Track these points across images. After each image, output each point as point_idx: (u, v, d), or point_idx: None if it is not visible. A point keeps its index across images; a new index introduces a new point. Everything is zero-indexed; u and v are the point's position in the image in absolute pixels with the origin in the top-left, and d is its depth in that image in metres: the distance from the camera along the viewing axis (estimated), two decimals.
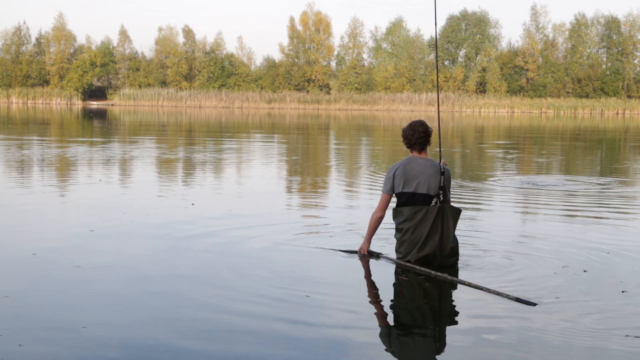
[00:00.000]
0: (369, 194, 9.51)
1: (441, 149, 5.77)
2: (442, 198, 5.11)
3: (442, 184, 5.10)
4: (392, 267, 5.17)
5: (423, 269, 4.87)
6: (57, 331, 3.76)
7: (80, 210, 7.60)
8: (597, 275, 5.02)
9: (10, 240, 5.96)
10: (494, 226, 6.94)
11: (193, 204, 8.03)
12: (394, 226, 5.35)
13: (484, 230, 6.64)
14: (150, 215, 7.20)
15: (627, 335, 3.78)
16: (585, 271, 5.07)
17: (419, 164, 5.14)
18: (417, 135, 5.20)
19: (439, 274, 4.74)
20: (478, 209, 8.14)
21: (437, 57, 6.14)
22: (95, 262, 5.20)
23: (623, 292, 4.58)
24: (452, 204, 5.29)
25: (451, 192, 5.34)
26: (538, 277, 4.94)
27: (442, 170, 5.13)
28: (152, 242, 5.94)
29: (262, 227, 6.61)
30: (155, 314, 4.07)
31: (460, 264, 5.22)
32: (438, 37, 74.60)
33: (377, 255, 5.33)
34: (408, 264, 5.03)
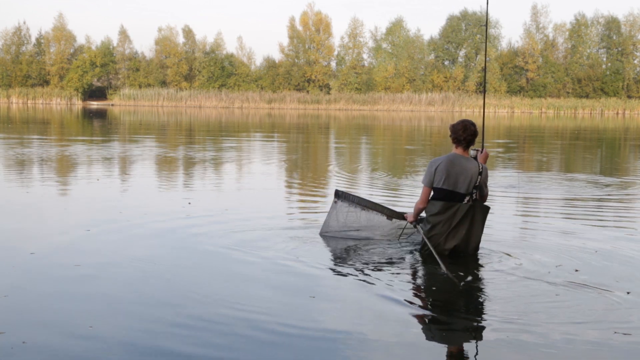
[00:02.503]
0: (369, 193, 9.52)
1: (484, 144, 5.96)
2: (474, 197, 5.26)
3: (477, 183, 5.24)
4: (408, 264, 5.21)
5: (439, 258, 4.89)
6: (61, 329, 3.78)
7: (77, 209, 7.61)
8: (589, 273, 5.07)
9: (8, 240, 5.97)
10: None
11: (190, 203, 8.05)
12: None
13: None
14: (147, 215, 7.21)
15: (615, 332, 3.84)
16: (576, 270, 5.12)
17: (461, 163, 5.26)
18: (468, 133, 5.30)
19: (448, 273, 4.73)
20: None
21: (486, 37, 6.26)
22: (92, 262, 5.21)
23: (628, 293, 4.59)
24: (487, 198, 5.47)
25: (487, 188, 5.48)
26: (534, 275, 4.97)
27: (481, 170, 5.26)
28: (148, 242, 5.95)
29: (259, 226, 6.62)
30: (158, 315, 4.09)
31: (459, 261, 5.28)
32: (438, 37, 74.72)
33: (416, 224, 5.58)
34: (430, 246, 5.15)
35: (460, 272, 5.01)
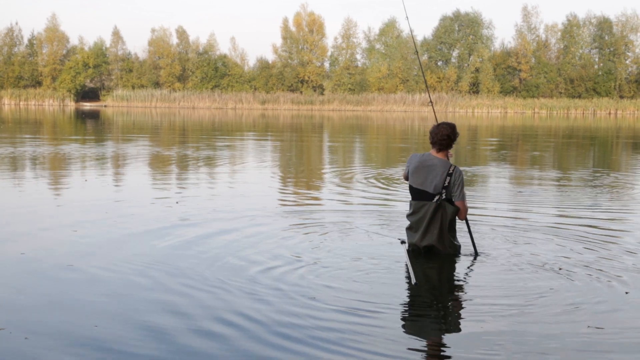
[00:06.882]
0: (363, 193, 9.51)
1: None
2: (444, 197, 5.38)
3: (445, 184, 5.36)
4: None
5: (410, 268, 4.89)
6: (63, 327, 3.77)
7: (64, 210, 7.53)
8: (575, 270, 5.08)
9: None
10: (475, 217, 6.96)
11: (177, 202, 8.02)
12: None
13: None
14: (134, 215, 7.15)
15: (589, 327, 3.87)
16: (560, 269, 5.12)
17: (432, 163, 5.44)
18: (439, 136, 5.47)
19: (413, 277, 4.73)
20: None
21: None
22: (84, 262, 5.17)
23: (627, 293, 4.57)
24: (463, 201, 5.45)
25: (460, 191, 5.42)
26: (526, 273, 4.99)
27: (451, 171, 5.37)
28: (137, 242, 5.91)
29: (250, 226, 6.60)
30: (160, 314, 4.06)
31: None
32: (430, 38, 74.92)
33: (403, 242, 5.68)
34: (407, 262, 5.14)
35: (435, 270, 5.08)
